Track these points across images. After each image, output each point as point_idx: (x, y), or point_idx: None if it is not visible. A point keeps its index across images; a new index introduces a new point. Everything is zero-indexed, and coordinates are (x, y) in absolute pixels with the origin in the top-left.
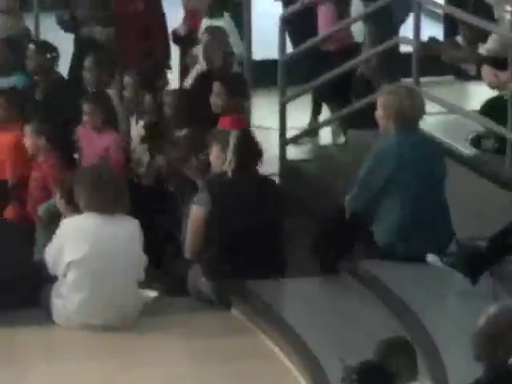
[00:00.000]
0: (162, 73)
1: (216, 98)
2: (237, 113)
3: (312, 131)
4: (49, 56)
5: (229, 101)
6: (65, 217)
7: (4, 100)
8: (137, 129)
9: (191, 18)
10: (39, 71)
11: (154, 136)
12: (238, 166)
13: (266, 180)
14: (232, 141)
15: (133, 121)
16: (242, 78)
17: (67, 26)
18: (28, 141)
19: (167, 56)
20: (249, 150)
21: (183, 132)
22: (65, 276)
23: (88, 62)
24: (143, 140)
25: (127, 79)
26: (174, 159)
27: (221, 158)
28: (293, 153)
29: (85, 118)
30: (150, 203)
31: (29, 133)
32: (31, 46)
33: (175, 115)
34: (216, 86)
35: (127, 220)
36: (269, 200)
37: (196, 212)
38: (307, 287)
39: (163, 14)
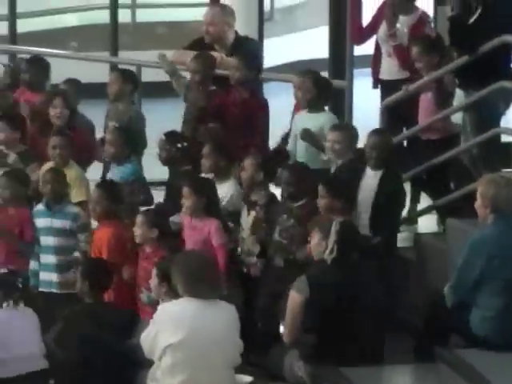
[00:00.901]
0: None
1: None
2: None
3: (411, 219)
4: (179, 146)
5: None
6: (162, 301)
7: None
8: (247, 219)
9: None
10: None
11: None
12: (339, 255)
13: (367, 269)
14: (334, 229)
15: (244, 211)
16: None
17: None
18: (138, 231)
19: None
20: (350, 239)
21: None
22: (160, 360)
23: (206, 149)
24: (253, 231)
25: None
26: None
27: (322, 246)
28: None
29: (185, 202)
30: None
31: (140, 223)
32: (162, 137)
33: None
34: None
35: (224, 306)
36: (370, 290)
37: (294, 298)
38: (403, 375)
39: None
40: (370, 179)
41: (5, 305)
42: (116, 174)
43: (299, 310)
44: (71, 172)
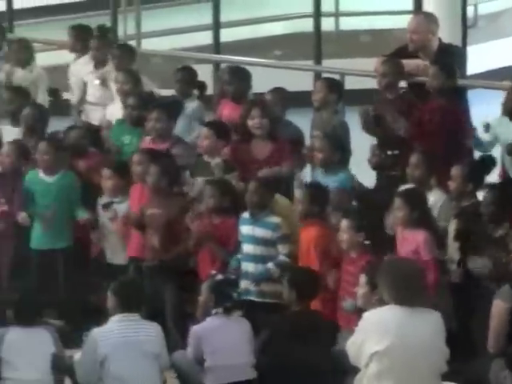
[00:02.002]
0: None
1: None
2: None
3: None
4: (390, 153)
5: None
6: (366, 309)
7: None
8: (451, 227)
9: None
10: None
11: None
12: None
13: None
14: None
15: (451, 224)
16: None
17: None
18: (344, 235)
19: None
20: None
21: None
22: (366, 368)
23: (414, 159)
24: (456, 238)
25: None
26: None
27: None
28: None
29: (396, 213)
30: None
31: (346, 228)
32: (374, 142)
33: (494, 212)
34: None
35: (429, 313)
36: None
37: (499, 306)
38: None
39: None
40: None
41: (215, 311)
42: (329, 182)
43: (504, 318)
44: None
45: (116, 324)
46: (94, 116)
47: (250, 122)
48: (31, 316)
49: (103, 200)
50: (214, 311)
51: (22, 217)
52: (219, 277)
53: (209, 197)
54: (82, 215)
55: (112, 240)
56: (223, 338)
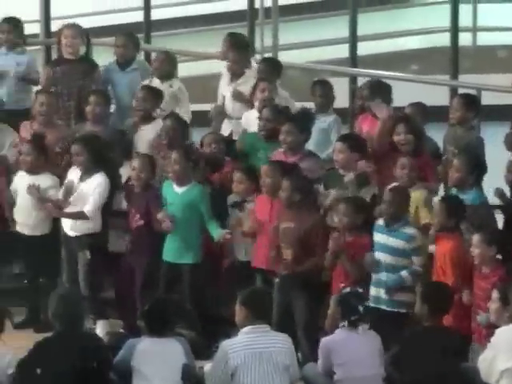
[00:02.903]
0: None
1: None
2: None
3: None
4: None
5: None
6: (498, 325)
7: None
8: None
9: None
10: None
11: None
12: None
13: None
14: None
15: None
16: None
17: None
18: (476, 250)
19: None
20: None
21: None
22: None
23: None
24: None
25: None
26: None
27: None
28: None
29: None
30: None
31: (478, 242)
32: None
33: None
34: None
35: None
36: None
37: None
38: None
39: None
40: None
41: (342, 324)
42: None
43: None
44: (417, 193)
45: (246, 335)
46: (227, 127)
47: (395, 138)
48: (162, 326)
49: (232, 199)
50: (340, 324)
51: (161, 215)
52: (347, 290)
53: (342, 215)
54: (217, 233)
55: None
56: (352, 350)
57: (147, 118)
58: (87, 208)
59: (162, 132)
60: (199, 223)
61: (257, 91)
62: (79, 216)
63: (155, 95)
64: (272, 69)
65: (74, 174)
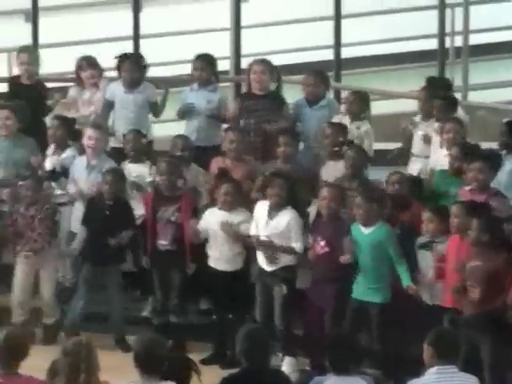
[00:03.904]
0: None
1: None
2: None
3: None
4: None
5: None
6: None
7: None
8: None
9: None
10: None
11: None
12: None
13: None
14: None
15: None
16: None
17: None
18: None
19: None
20: None
21: None
22: None
23: None
24: None
25: None
26: None
27: None
28: None
29: None
30: None
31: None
32: None
33: None
34: None
35: None
36: None
37: None
38: None
39: None
40: None
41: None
42: None
43: None
44: None
45: (433, 376)
46: (414, 166)
47: None
48: (347, 364)
49: (422, 240)
50: None
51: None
52: None
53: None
54: (406, 281)
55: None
56: None
57: (335, 154)
58: (297, 244)
59: (347, 162)
60: (387, 263)
61: (443, 131)
62: (288, 251)
63: (343, 130)
64: (449, 107)
65: (261, 208)
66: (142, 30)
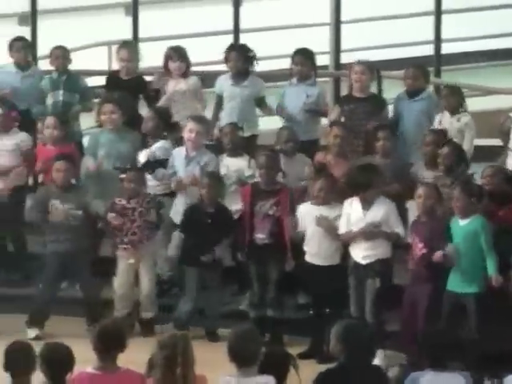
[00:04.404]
0: None
1: None
2: None
3: None
4: None
5: None
6: None
7: None
8: None
9: None
10: None
11: None
12: None
13: None
14: None
15: None
16: None
17: None
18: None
19: None
20: None
21: None
22: None
23: None
24: None
25: None
26: None
27: None
28: None
29: None
30: None
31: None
32: None
33: None
34: None
35: None
36: None
37: None
38: None
39: None
40: None
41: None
42: None
43: None
44: None
45: None
46: (510, 161)
47: None
48: (445, 360)
49: None
50: None
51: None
52: None
53: None
54: (493, 274)
55: None
56: None
57: (433, 165)
58: (400, 229)
59: (442, 159)
60: (481, 254)
61: None
62: (393, 236)
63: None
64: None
65: (350, 205)
66: (242, 25)
